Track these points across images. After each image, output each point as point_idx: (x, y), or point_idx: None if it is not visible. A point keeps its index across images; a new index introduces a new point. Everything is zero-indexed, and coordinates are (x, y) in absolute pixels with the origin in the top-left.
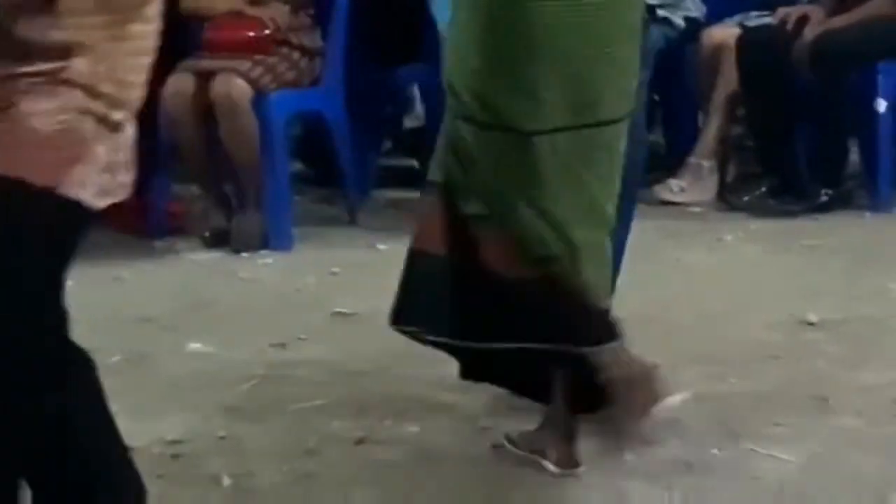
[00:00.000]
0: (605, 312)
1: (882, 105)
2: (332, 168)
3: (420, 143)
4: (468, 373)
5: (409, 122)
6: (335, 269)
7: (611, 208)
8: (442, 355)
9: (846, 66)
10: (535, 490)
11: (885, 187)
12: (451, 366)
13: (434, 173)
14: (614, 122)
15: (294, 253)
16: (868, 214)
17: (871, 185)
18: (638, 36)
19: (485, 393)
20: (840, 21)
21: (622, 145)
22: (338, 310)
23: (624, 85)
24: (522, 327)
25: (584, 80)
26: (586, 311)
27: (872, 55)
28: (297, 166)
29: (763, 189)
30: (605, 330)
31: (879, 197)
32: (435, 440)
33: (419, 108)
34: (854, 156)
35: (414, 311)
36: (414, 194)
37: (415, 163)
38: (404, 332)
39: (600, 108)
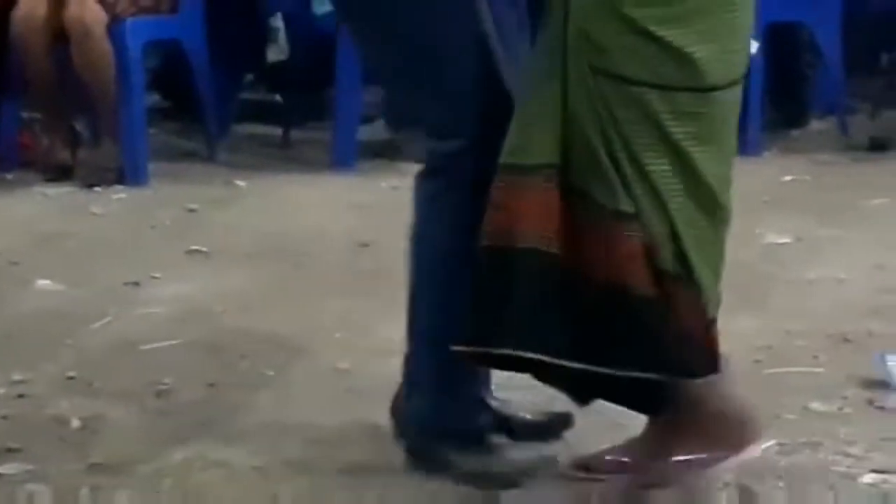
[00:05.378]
0: (715, 337)
1: (754, 46)
2: (191, 101)
3: (283, 77)
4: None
5: (273, 55)
6: (192, 206)
7: None
8: (304, 296)
9: None
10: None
11: (755, 131)
12: (307, 307)
13: (524, 153)
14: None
15: (149, 188)
16: (736, 158)
17: (740, 129)
18: None
19: (338, 336)
20: None
21: None
22: (194, 247)
23: None
24: (633, 351)
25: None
26: (701, 334)
27: None
28: (154, 98)
29: None
30: (712, 360)
31: (748, 141)
32: (291, 383)
33: (283, 40)
34: None
35: (508, 325)
36: (276, 130)
37: (278, 97)
38: (483, 358)
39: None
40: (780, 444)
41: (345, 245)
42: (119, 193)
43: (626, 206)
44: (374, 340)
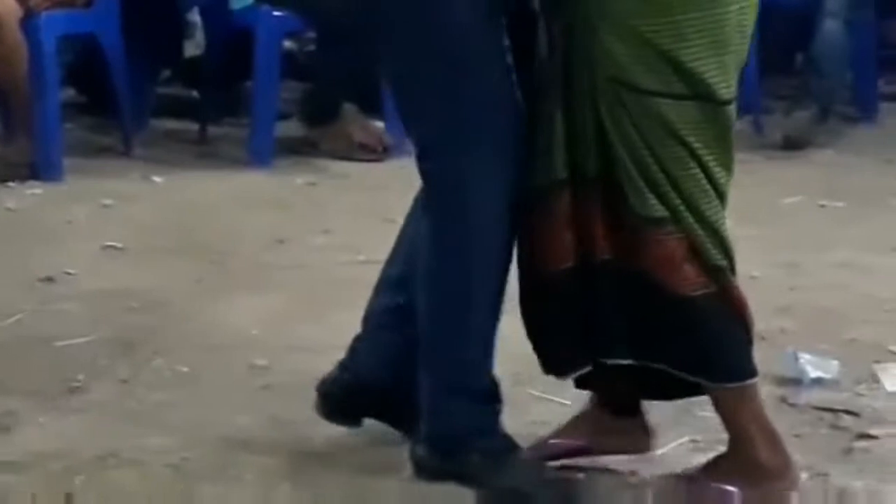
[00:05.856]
0: (751, 339)
1: None
2: (106, 96)
3: (200, 72)
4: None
5: (190, 50)
6: (107, 202)
7: None
8: (219, 293)
9: None
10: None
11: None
12: (222, 303)
13: (563, 169)
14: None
15: (64, 183)
16: None
17: None
18: None
19: (254, 333)
20: None
21: None
22: (109, 243)
23: None
24: (677, 349)
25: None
26: (743, 334)
27: None
28: (69, 92)
29: None
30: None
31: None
32: (206, 380)
33: (199, 35)
34: None
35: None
36: (192, 126)
37: (194, 93)
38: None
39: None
40: (693, 441)
41: (261, 241)
42: (33, 189)
43: (658, 212)
44: (290, 337)
